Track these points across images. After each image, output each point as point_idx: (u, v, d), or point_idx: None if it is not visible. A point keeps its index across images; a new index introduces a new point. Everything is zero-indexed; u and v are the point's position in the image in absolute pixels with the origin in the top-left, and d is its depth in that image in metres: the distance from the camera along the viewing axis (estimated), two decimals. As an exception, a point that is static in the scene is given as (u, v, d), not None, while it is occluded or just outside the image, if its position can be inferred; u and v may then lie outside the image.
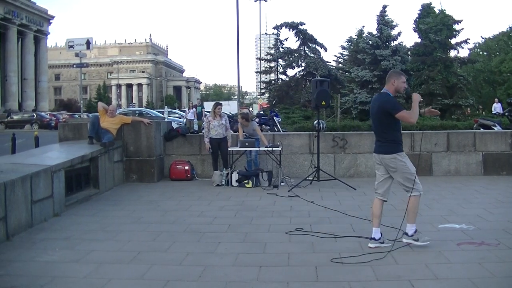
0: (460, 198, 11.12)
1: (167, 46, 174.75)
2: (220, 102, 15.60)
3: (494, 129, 20.07)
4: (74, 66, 49.65)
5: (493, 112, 33.30)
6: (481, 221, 8.67)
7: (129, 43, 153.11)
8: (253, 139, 13.88)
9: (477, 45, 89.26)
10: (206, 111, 30.85)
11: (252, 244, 7.42)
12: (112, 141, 13.03)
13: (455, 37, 41.37)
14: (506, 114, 23.22)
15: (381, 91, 7.55)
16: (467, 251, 6.92)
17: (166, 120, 19.13)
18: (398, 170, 7.35)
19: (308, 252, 6.94)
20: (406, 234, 7.26)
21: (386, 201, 7.56)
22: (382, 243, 7.20)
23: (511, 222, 8.56)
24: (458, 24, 41.02)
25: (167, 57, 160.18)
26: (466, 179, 13.97)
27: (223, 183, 13.27)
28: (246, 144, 13.55)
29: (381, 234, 7.29)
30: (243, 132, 14.27)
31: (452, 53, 41.90)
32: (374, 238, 7.25)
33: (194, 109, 24.73)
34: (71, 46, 43.90)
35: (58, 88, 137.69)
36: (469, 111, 39.97)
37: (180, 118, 32.21)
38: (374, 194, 7.77)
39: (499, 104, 34.89)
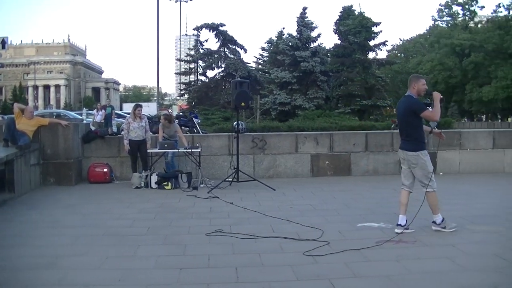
0: (379, 197, 11.41)
1: (86, 46, 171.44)
2: (140, 103, 15.49)
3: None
4: (-12, 66, 48.31)
5: None
6: (395, 219, 8.89)
7: (46, 43, 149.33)
8: (172, 140, 13.85)
9: (395, 47, 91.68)
10: (117, 113, 30.49)
11: (172, 246, 7.38)
12: (29, 143, 12.73)
13: (373, 39, 42.30)
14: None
15: (406, 94, 8.29)
16: (385, 249, 7.10)
17: (84, 122, 18.84)
18: (418, 166, 8.11)
19: (228, 253, 6.96)
20: (435, 222, 8.16)
21: (411, 192, 8.40)
22: (407, 229, 8.02)
23: (426, 220, 8.81)
24: (376, 26, 41.96)
25: (86, 58, 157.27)
26: (384, 179, 14.33)
27: (142, 185, 13.18)
28: (165, 146, 13.50)
29: (406, 221, 8.11)
30: (163, 133, 14.19)
31: (371, 55, 42.87)
32: (400, 224, 8.10)
33: (103, 110, 23.89)
34: (-15, 46, 42.69)
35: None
36: (390, 110, 40.74)
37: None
38: (401, 186, 8.52)
39: None
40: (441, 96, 7.99)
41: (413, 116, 8.03)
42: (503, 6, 70.22)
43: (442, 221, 8.10)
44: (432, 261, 6.55)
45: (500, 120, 70.45)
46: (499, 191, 12.39)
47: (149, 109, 48.41)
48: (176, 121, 15.61)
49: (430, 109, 7.99)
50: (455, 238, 7.63)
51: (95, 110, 21.67)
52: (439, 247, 7.20)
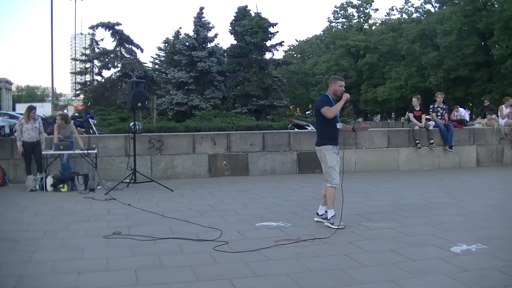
0: (276, 197, 11.58)
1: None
2: (34, 106, 15.03)
3: (307, 129, 21.04)
4: None
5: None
6: (296, 218, 9.11)
7: None
8: (67, 142, 13.59)
9: (291, 47, 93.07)
10: (10, 113, 29.43)
11: (70, 250, 7.25)
12: None
13: (270, 40, 42.65)
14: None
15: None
16: (284, 248, 7.24)
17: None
18: (322, 161, 8.78)
19: (127, 256, 6.92)
20: (326, 218, 8.59)
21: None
22: (324, 219, 8.66)
23: (325, 218, 9.07)
24: (273, 27, 42.31)
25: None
26: (282, 178, 14.57)
27: (38, 188, 12.88)
28: (61, 147, 13.24)
29: (326, 211, 8.70)
30: (59, 134, 13.88)
31: (268, 55, 43.19)
32: (317, 213, 8.89)
33: None
34: None
35: None
36: (298, 111, 41.16)
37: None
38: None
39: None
40: (348, 98, 8.46)
41: (319, 113, 8.55)
42: (396, 9, 72.88)
43: (332, 216, 8.47)
44: (331, 258, 6.77)
45: (394, 120, 72.72)
46: (394, 189, 12.86)
47: (44, 109, 47.24)
48: (72, 121, 15.30)
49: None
50: (352, 236, 7.89)
51: None
52: (337, 244, 7.42)
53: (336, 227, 8.19)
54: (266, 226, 8.69)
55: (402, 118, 68.07)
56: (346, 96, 8.47)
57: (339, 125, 8.77)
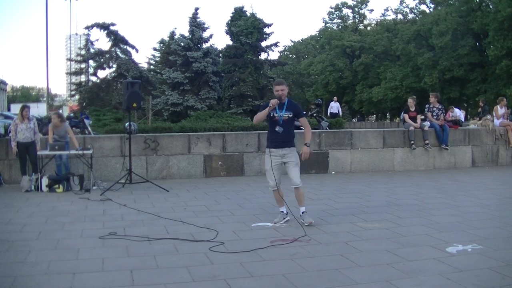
0: (272, 197, 11.51)
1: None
2: (28, 104, 15.02)
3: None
4: None
5: (329, 111, 33.10)
6: (292, 219, 9.07)
7: None
8: (62, 142, 13.56)
9: (286, 48, 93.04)
10: (4, 114, 29.18)
11: (65, 250, 7.24)
12: None
13: (265, 40, 42.59)
14: (315, 115, 24.33)
15: None
16: (280, 248, 7.25)
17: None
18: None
19: (122, 256, 6.91)
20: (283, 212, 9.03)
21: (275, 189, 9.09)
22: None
23: (321, 219, 9.09)
24: (268, 27, 42.25)
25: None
26: (277, 179, 14.51)
27: (33, 188, 12.86)
28: (56, 147, 13.21)
29: (287, 212, 9.02)
30: (54, 134, 13.83)
31: (263, 56, 43.13)
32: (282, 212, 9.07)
33: None
34: None
35: None
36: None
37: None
38: None
39: (337, 103, 34.05)
40: (271, 105, 8.70)
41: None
42: (391, 9, 72.90)
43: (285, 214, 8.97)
44: (327, 258, 6.77)
45: (389, 120, 72.81)
46: (389, 189, 12.86)
47: (39, 110, 47.22)
48: (67, 122, 15.27)
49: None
50: (348, 236, 7.90)
51: None
52: (333, 244, 7.43)
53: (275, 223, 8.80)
54: (262, 227, 8.69)
55: (397, 118, 68.29)
56: (272, 101, 8.74)
57: (278, 128, 8.77)
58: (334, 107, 33.07)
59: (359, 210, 10.01)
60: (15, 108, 56.88)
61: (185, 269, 6.27)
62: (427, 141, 16.92)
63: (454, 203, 10.75)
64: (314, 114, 24.45)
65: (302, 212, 8.74)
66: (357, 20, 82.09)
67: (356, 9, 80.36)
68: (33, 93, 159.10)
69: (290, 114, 8.74)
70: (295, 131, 8.99)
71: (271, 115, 8.76)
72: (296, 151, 8.89)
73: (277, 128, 8.69)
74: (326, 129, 20.98)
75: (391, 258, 6.71)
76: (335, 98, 35.06)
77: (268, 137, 8.88)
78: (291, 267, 6.36)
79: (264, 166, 9.02)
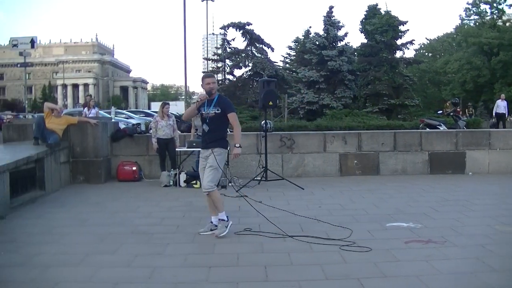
0: (407, 197, 11.28)
1: (113, 45, 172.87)
2: (167, 102, 15.48)
3: (439, 128, 20.48)
4: (18, 65, 48.62)
5: (495, 111, 30.03)
6: (427, 219, 8.81)
7: (74, 43, 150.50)
8: (200, 139, 13.78)
9: (422, 46, 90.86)
10: (145, 111, 29.74)
11: (201, 244, 7.39)
12: (58, 142, 12.84)
13: (400, 38, 41.95)
14: (451, 114, 23.66)
15: None
16: (414, 249, 7.02)
17: (113, 120, 18.90)
18: None
19: (257, 252, 6.95)
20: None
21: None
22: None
23: (456, 220, 8.74)
24: (403, 25, 41.60)
25: (113, 57, 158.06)
26: (413, 178, 14.20)
27: (171, 183, 13.21)
28: (194, 144, 13.49)
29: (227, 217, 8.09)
30: (196, 131, 13.97)
31: (398, 54, 42.51)
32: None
33: (95, 108, 21.99)
34: (15, 45, 42.88)
35: (2, 88, 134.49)
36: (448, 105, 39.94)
37: (128, 118, 31.81)
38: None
39: (504, 102, 30.10)
40: (199, 100, 8.13)
41: None
42: (534, 3, 69.31)
43: (223, 220, 8.03)
44: (462, 261, 6.49)
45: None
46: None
47: (177, 108, 48.47)
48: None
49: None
50: (485, 239, 7.53)
51: (85, 108, 20.42)
52: (469, 247, 7.11)
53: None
54: (397, 227, 8.46)
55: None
56: (201, 95, 8.16)
57: (204, 126, 8.14)
58: (501, 106, 29.73)
59: (496, 213, 9.51)
60: (155, 106, 58.83)
61: (318, 267, 6.21)
62: None
63: None
64: (451, 114, 23.78)
65: (213, 222, 8.12)
66: (495, 16, 78.67)
67: (494, 4, 76.99)
68: (172, 92, 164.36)
69: (217, 110, 8.03)
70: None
71: (200, 112, 8.18)
72: (221, 152, 8.19)
73: (204, 126, 8.15)
74: (463, 128, 20.32)
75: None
76: (502, 96, 31.88)
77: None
78: (425, 269, 6.14)
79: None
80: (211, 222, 8.07)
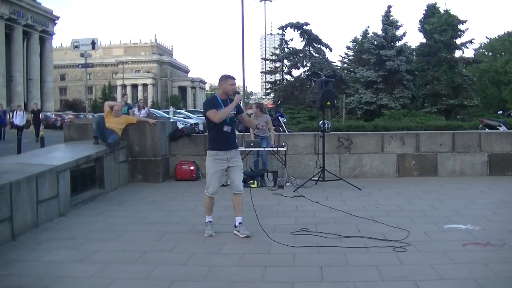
0: (465, 199, 11.08)
1: (172, 46, 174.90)
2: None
3: (499, 129, 20.07)
4: (79, 66, 49.80)
5: None
6: (486, 222, 8.63)
7: (134, 43, 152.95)
8: (258, 139, 13.83)
9: (482, 45, 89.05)
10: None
11: (257, 244, 7.41)
12: (117, 141, 13.04)
13: (460, 37, 41.39)
14: (512, 114, 23.21)
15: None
16: (472, 252, 6.88)
17: (171, 120, 19.09)
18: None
19: (313, 253, 6.92)
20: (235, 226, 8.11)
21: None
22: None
23: (514, 223, 8.55)
24: (463, 24, 41.02)
25: (172, 57, 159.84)
26: (471, 180, 13.92)
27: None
28: (252, 144, 13.52)
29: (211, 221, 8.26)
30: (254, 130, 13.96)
31: (457, 53, 41.97)
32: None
33: (145, 109, 21.81)
34: (76, 47, 43.89)
35: (63, 88, 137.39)
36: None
37: (186, 118, 32.14)
38: None
39: None
40: (240, 99, 7.97)
41: (207, 117, 7.99)
42: None
43: (206, 223, 8.17)
44: (521, 265, 6.33)
45: None
46: None
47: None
48: (267, 114, 15.59)
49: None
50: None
51: (136, 110, 20.57)
52: (529, 251, 6.93)
53: (206, 234, 7.97)
54: (454, 229, 8.29)
55: None
56: (238, 97, 7.91)
57: (226, 128, 7.94)
58: None
59: None
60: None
61: (374, 268, 6.15)
62: None
63: None
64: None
65: (239, 223, 8.12)
66: (559, 13, 76.78)
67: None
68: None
69: (234, 111, 7.94)
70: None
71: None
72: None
73: (225, 128, 7.93)
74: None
75: None
76: None
77: (213, 138, 8.05)
78: (483, 272, 6.00)
79: (207, 170, 8.30)
80: (240, 223, 8.12)
